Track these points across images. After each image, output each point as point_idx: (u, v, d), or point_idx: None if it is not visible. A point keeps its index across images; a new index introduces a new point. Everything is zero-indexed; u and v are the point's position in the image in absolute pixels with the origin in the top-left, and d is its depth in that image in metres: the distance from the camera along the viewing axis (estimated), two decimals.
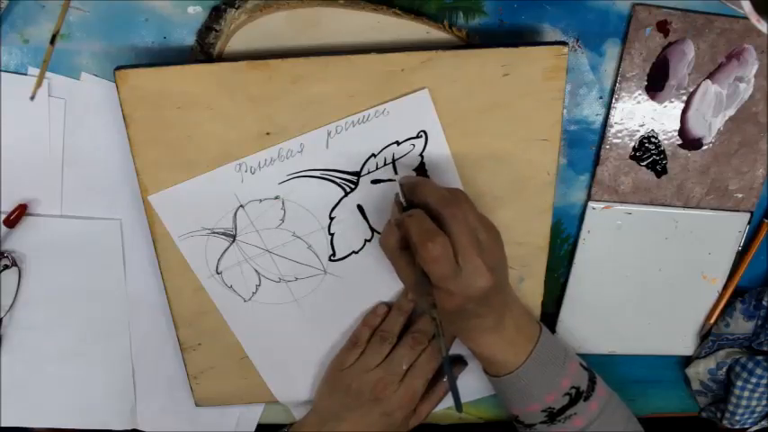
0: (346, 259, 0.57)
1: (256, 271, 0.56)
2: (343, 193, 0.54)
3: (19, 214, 0.54)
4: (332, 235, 0.55)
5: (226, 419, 0.64)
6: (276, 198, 0.54)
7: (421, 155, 0.53)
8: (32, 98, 0.51)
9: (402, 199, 0.50)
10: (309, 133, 0.52)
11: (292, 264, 0.56)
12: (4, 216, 0.54)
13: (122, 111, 0.50)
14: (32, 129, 0.53)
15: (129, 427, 0.64)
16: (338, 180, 0.53)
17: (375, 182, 0.54)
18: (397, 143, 0.52)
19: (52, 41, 0.48)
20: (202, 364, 0.60)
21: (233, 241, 0.55)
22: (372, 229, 0.56)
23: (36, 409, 0.62)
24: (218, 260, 0.56)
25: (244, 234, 0.55)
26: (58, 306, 0.58)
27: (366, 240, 0.56)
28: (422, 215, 0.47)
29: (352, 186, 0.54)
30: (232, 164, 0.52)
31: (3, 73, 0.51)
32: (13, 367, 0.60)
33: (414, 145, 0.53)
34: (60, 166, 0.54)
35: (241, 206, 0.54)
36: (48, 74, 0.51)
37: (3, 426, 0.62)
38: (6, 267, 0.56)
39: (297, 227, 0.55)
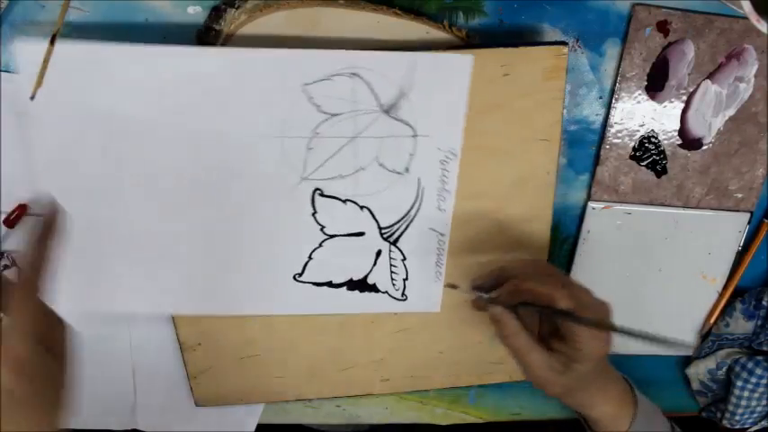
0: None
1: None
2: None
3: (19, 214, 0.54)
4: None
5: (226, 419, 0.64)
6: None
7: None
8: (32, 98, 0.51)
9: (508, 312, 0.50)
10: None
11: None
12: (4, 216, 0.54)
13: None
14: (32, 129, 0.53)
15: (129, 427, 0.64)
16: None
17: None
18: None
19: (52, 41, 0.48)
20: (202, 364, 0.60)
21: None
22: None
23: None
24: None
25: None
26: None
27: None
28: (565, 277, 0.49)
29: None
30: None
31: (3, 73, 0.51)
32: None
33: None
34: None
35: None
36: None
37: None
38: (6, 267, 0.56)
39: None
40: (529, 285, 0.47)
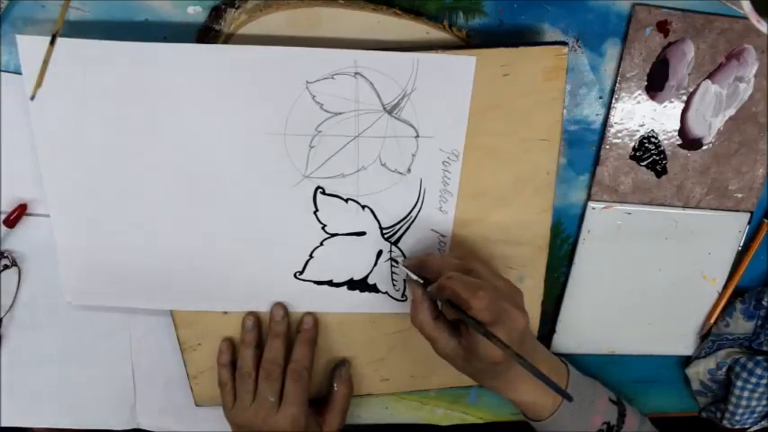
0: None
1: None
2: None
3: (19, 214, 0.54)
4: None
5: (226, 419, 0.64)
6: None
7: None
8: (32, 98, 0.51)
9: (415, 277, 0.52)
10: None
11: None
12: (4, 216, 0.54)
13: None
14: (32, 129, 0.53)
15: (129, 427, 0.64)
16: None
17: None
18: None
19: (52, 41, 0.48)
20: (202, 364, 0.60)
21: None
22: None
23: (36, 409, 0.62)
24: None
25: None
26: (59, 306, 0.58)
27: None
28: (460, 275, 0.48)
29: None
30: None
31: (3, 73, 0.51)
32: (13, 367, 0.60)
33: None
34: None
35: None
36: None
37: (3, 426, 0.62)
38: (6, 267, 0.56)
39: None
40: (455, 287, 0.47)
